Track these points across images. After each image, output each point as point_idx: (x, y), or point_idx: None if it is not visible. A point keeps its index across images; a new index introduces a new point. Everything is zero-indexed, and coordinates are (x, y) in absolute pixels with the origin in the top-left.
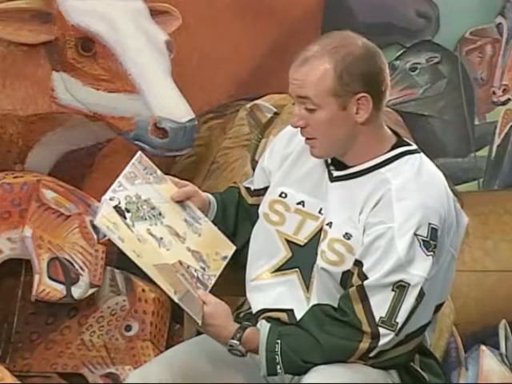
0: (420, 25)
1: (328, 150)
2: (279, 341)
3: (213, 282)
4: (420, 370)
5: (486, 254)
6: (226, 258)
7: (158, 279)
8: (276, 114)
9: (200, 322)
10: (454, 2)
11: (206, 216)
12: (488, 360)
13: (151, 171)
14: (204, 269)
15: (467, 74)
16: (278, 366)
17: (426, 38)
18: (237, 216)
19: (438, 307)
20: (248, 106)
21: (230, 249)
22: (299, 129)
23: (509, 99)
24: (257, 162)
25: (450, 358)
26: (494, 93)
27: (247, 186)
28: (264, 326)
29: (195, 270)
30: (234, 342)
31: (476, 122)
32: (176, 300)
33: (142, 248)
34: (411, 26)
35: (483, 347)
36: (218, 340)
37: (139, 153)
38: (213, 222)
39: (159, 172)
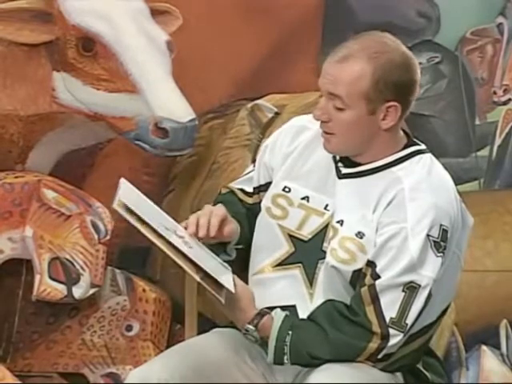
0: (420, 25)
1: (343, 148)
2: (291, 332)
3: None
4: (423, 370)
5: (487, 253)
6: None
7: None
8: (277, 113)
9: (223, 301)
10: (455, 1)
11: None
12: (489, 360)
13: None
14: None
15: (468, 74)
16: (285, 357)
17: (426, 37)
18: (250, 227)
19: (444, 311)
20: (249, 105)
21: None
22: (308, 124)
23: (509, 99)
24: (255, 160)
25: (451, 357)
26: (494, 93)
27: (240, 187)
28: (278, 316)
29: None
30: (251, 327)
31: (477, 122)
32: (198, 279)
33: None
34: (412, 25)
35: (484, 347)
36: (236, 322)
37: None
38: (237, 243)
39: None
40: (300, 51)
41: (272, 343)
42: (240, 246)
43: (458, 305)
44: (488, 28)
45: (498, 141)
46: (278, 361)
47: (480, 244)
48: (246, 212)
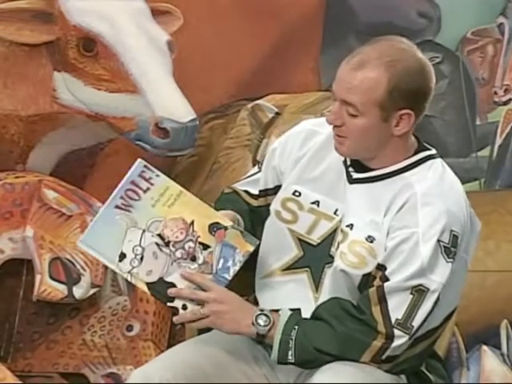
0: (421, 25)
1: (356, 152)
2: (297, 327)
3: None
4: (426, 372)
5: (488, 254)
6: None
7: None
8: (277, 113)
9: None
10: (456, 2)
11: None
12: (489, 360)
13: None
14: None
15: (469, 74)
16: (290, 352)
17: (427, 38)
18: (252, 225)
19: (450, 315)
20: (249, 106)
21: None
22: (317, 128)
23: (510, 99)
24: (258, 162)
25: (452, 358)
26: (495, 93)
27: (244, 189)
28: (285, 311)
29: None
30: (261, 312)
31: (477, 122)
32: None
33: None
34: (413, 25)
35: (485, 347)
36: (239, 321)
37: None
38: None
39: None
40: (301, 51)
41: (277, 337)
42: None
43: (458, 305)
44: (489, 28)
45: (498, 141)
46: (282, 357)
47: (481, 244)
48: (249, 210)
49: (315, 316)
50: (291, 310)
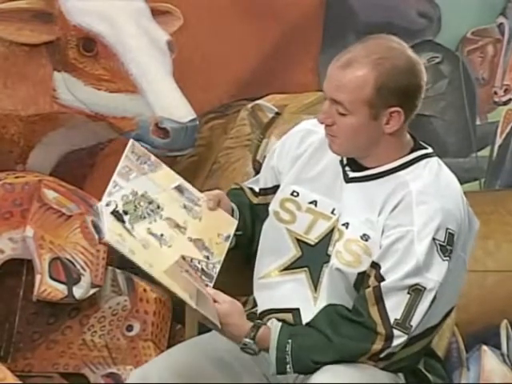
0: (421, 25)
1: (347, 150)
2: (290, 341)
3: (217, 269)
4: (425, 372)
5: (488, 254)
6: (228, 237)
7: (173, 287)
8: (277, 113)
9: (219, 326)
10: (456, 2)
11: None
12: (489, 360)
13: (145, 159)
14: (208, 257)
15: (468, 74)
16: (288, 366)
17: (427, 37)
18: (252, 219)
19: (448, 313)
20: (249, 106)
21: (231, 225)
22: (314, 128)
23: (510, 99)
24: (258, 162)
25: (452, 357)
26: (495, 93)
27: (250, 186)
28: (275, 326)
29: (199, 262)
30: (248, 340)
31: (477, 122)
32: (194, 307)
33: (149, 254)
34: (412, 25)
35: (485, 347)
36: (231, 338)
37: (131, 141)
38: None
39: (153, 158)
40: (301, 51)
41: (273, 354)
42: (239, 232)
43: (458, 305)
44: (489, 28)
45: (498, 141)
46: (281, 370)
47: (481, 244)
48: (250, 206)
49: (311, 325)
50: (290, 309)
